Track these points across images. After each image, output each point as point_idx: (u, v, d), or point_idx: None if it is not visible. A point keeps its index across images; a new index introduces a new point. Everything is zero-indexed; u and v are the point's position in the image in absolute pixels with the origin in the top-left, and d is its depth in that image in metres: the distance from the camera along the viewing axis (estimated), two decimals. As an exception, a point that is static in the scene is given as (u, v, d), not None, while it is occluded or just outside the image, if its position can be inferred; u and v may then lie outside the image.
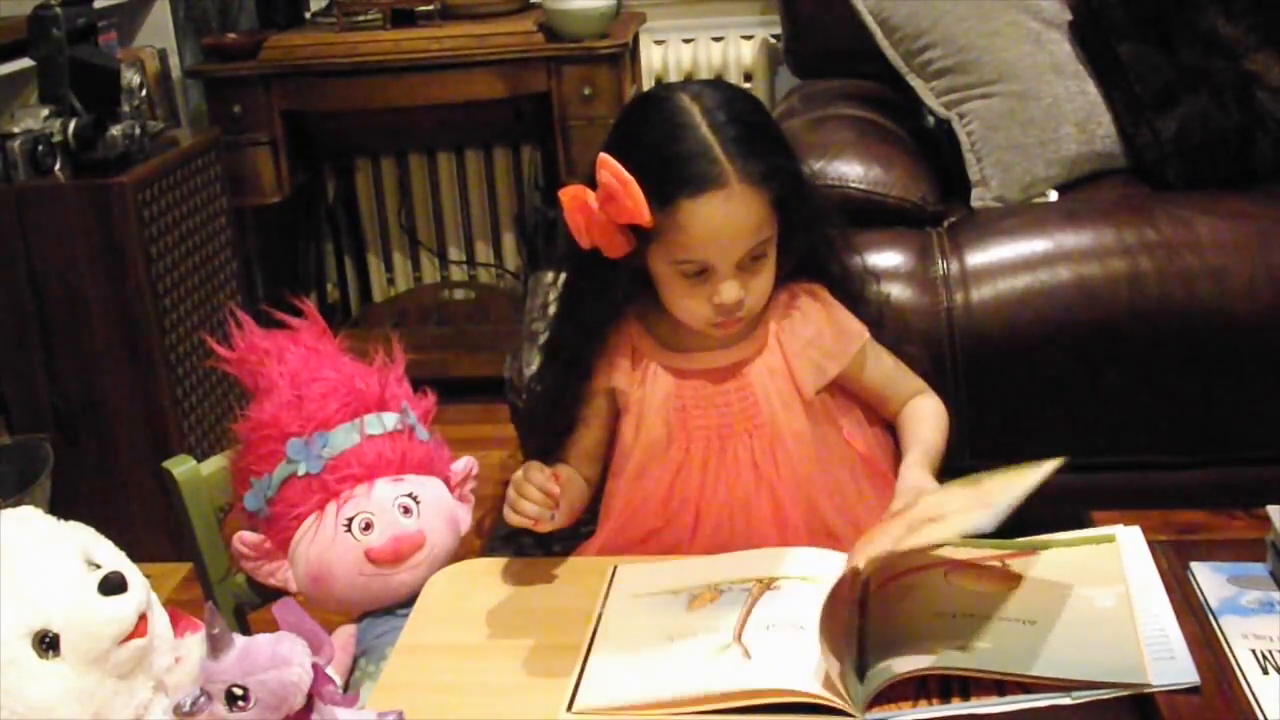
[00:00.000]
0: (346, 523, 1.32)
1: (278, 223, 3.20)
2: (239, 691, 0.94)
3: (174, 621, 1.11)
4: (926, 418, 1.35)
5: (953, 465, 1.32)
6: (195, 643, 1.09)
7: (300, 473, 1.32)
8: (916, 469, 1.27)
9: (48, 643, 1.00)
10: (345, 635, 1.33)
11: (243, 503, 1.35)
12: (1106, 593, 1.06)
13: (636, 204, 1.19)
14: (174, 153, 2.52)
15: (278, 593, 1.34)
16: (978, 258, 1.87)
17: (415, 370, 1.45)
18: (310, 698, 0.97)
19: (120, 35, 2.65)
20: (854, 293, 1.36)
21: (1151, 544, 1.13)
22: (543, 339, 1.42)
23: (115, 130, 2.36)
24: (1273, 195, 1.94)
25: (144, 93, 2.60)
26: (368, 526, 1.31)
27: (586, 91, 2.85)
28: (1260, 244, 1.83)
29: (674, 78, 3.20)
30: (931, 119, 2.22)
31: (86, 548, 1.08)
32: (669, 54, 3.21)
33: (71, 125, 2.30)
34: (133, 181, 2.32)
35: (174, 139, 2.63)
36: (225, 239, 2.69)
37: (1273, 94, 2.02)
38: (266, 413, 1.35)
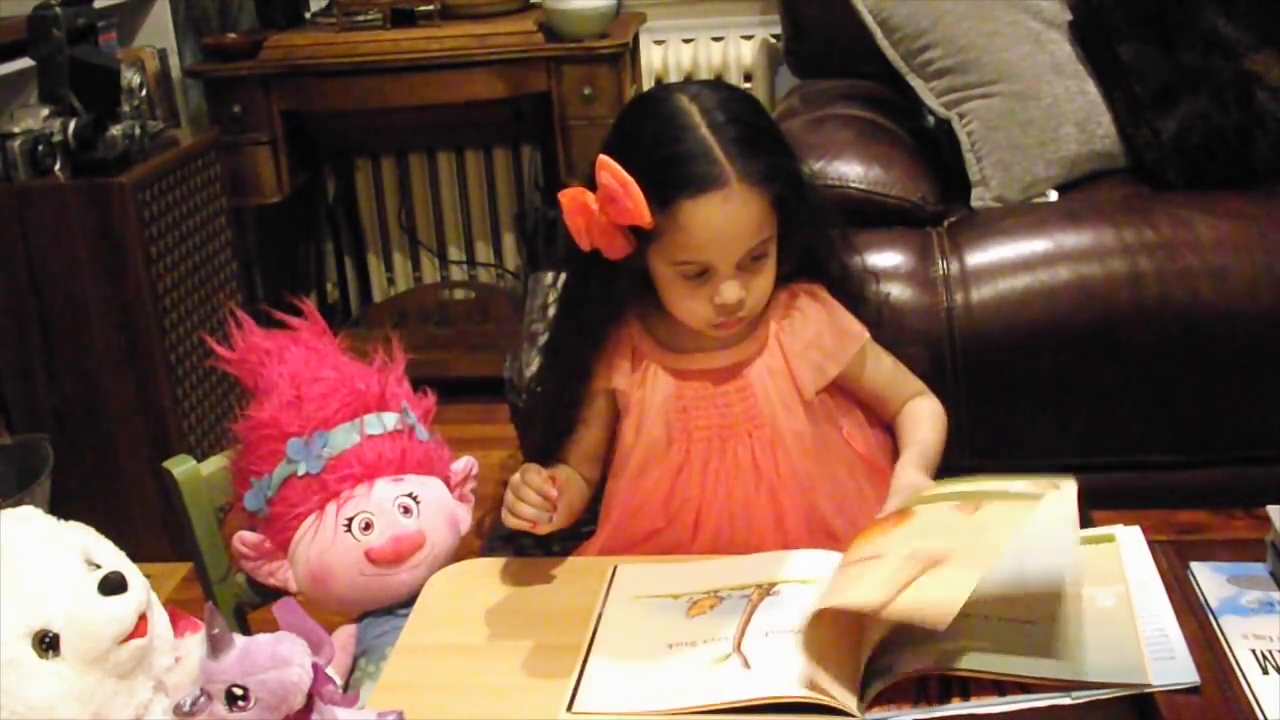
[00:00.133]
0: (346, 523, 1.32)
1: (278, 223, 3.20)
2: (239, 691, 0.94)
3: (174, 621, 1.11)
4: (924, 419, 1.36)
5: (953, 465, 1.33)
6: (195, 643, 1.09)
7: (300, 473, 1.32)
8: (911, 469, 1.27)
9: (48, 643, 1.00)
10: (345, 635, 1.33)
11: (243, 503, 1.35)
12: (1106, 592, 1.06)
13: (636, 205, 1.19)
14: (174, 153, 2.52)
15: (278, 593, 1.34)
16: (978, 258, 1.87)
17: (415, 370, 1.45)
18: (310, 698, 0.97)
19: (120, 35, 2.64)
20: (854, 293, 1.36)
21: (1151, 544, 1.13)
22: (542, 340, 1.42)
23: (115, 130, 2.36)
24: (1273, 195, 1.94)
25: (144, 93, 2.60)
26: (368, 526, 1.31)
27: (586, 91, 2.85)
28: (1260, 244, 1.83)
29: (674, 78, 3.20)
30: (931, 119, 2.22)
31: (86, 548, 1.08)
32: (669, 54, 3.21)
33: (71, 125, 2.30)
34: (133, 181, 2.32)
35: (174, 139, 2.63)
36: (225, 239, 2.69)
37: (1273, 94, 2.02)
38: (266, 413, 1.35)
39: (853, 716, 0.96)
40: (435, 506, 1.36)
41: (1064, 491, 1.07)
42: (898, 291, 1.81)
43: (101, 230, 2.30)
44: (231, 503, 1.39)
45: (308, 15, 3.18)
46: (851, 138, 2.05)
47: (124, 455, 2.42)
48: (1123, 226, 1.86)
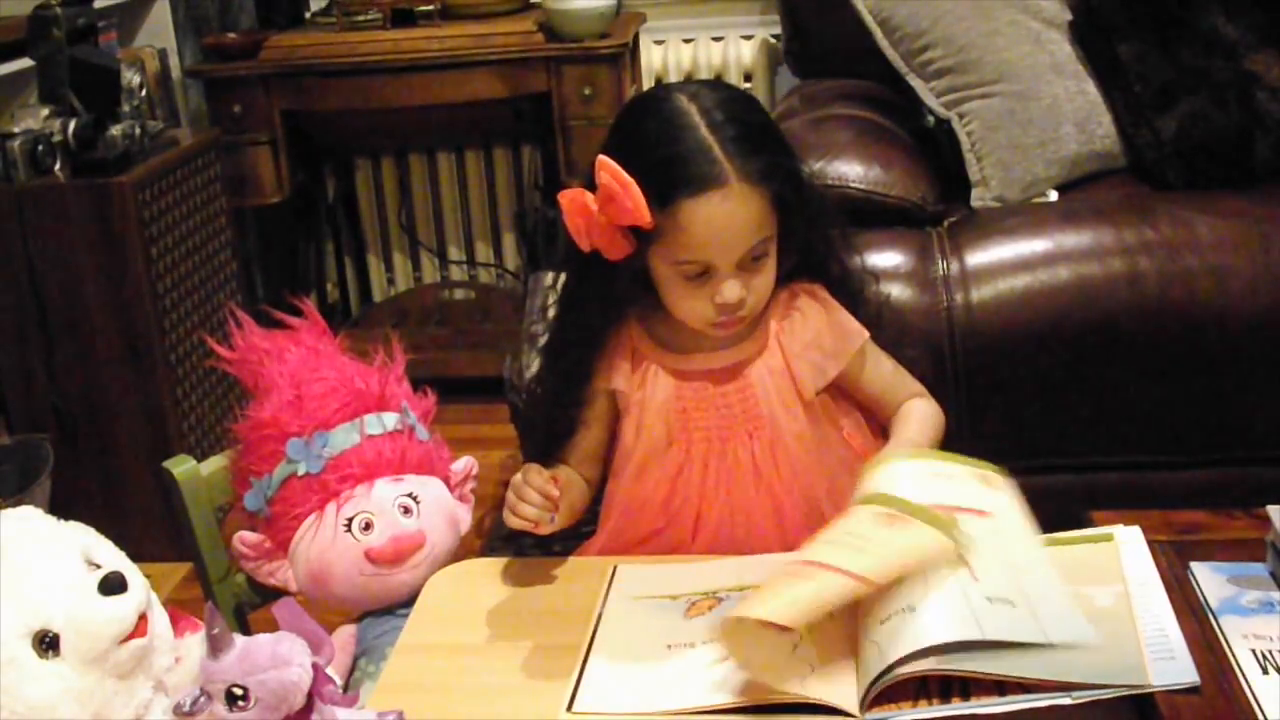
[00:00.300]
0: (346, 523, 1.32)
1: (278, 223, 3.21)
2: (239, 691, 0.94)
3: (174, 621, 1.11)
4: (914, 418, 1.35)
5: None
6: (195, 643, 1.09)
7: (300, 473, 1.32)
8: None
9: (48, 643, 1.00)
10: (345, 635, 1.33)
11: (243, 503, 1.35)
12: (1105, 591, 1.06)
13: (636, 205, 1.19)
14: (174, 153, 2.52)
15: (278, 593, 1.34)
16: (978, 258, 1.87)
17: (415, 370, 1.45)
18: (310, 698, 0.97)
19: (120, 35, 2.65)
20: (853, 293, 1.36)
21: (1151, 544, 1.13)
22: (542, 341, 1.42)
23: (115, 130, 2.36)
24: (1273, 195, 1.94)
25: (144, 93, 2.60)
26: (368, 526, 1.32)
27: (586, 91, 2.85)
28: (1260, 244, 1.83)
29: (674, 78, 3.20)
30: (931, 119, 2.22)
31: (86, 548, 1.08)
32: (669, 54, 3.21)
33: (71, 125, 2.30)
34: (133, 181, 2.32)
35: (174, 139, 2.63)
36: (225, 239, 2.69)
37: (1273, 94, 2.02)
38: (266, 413, 1.35)
39: (852, 716, 0.96)
40: (435, 506, 1.36)
41: (1003, 505, 1.08)
42: (898, 291, 1.81)
43: (101, 230, 2.30)
44: (231, 503, 1.39)
45: (308, 15, 3.19)
46: (851, 138, 2.05)
47: (124, 455, 2.42)
48: (1123, 226, 1.86)
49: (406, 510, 1.33)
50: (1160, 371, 1.82)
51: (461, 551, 1.38)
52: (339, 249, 3.45)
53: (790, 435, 1.30)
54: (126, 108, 2.45)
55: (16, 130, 2.27)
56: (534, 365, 1.48)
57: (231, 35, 3.02)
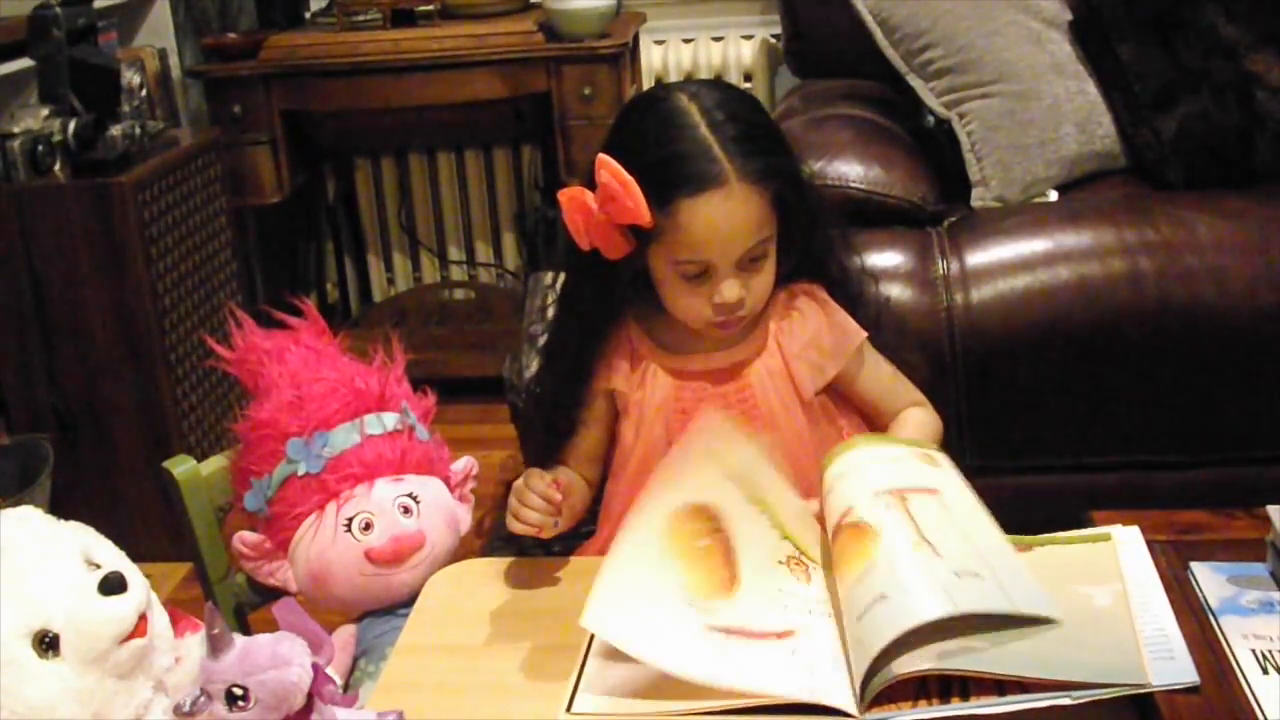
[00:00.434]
0: (346, 523, 1.32)
1: (278, 223, 3.21)
2: (239, 691, 0.94)
3: (174, 621, 1.11)
4: (912, 428, 1.35)
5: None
6: (195, 643, 1.09)
7: (300, 473, 1.32)
8: None
9: (48, 643, 1.00)
10: (345, 635, 1.33)
11: (243, 503, 1.35)
12: (1103, 591, 1.06)
13: (636, 204, 1.19)
14: (174, 153, 2.52)
15: (278, 593, 1.34)
16: (978, 258, 1.87)
17: (415, 370, 1.45)
18: (310, 698, 0.97)
19: (120, 35, 2.64)
20: (853, 294, 1.36)
21: (1151, 544, 1.13)
22: (541, 341, 1.42)
23: (115, 130, 2.36)
24: (1273, 195, 1.94)
25: (144, 93, 2.60)
26: (368, 526, 1.31)
27: (586, 91, 2.85)
28: (1260, 244, 1.83)
29: (674, 78, 3.20)
30: (931, 119, 2.22)
31: (86, 548, 1.08)
32: (669, 54, 3.21)
33: (71, 125, 2.30)
34: (133, 181, 2.32)
35: (174, 139, 2.63)
36: (225, 239, 2.69)
37: (1273, 94, 2.02)
38: (266, 413, 1.35)
39: (852, 717, 0.96)
40: (435, 506, 1.36)
41: (949, 482, 1.10)
42: (898, 292, 1.81)
43: (101, 230, 2.30)
44: (231, 503, 1.39)
45: (308, 15, 3.19)
46: (851, 138, 2.05)
47: (124, 455, 2.42)
48: (1123, 226, 1.87)
49: (406, 510, 1.33)
50: (1160, 371, 1.82)
51: (461, 551, 1.38)
52: (339, 249, 3.45)
53: (790, 435, 1.30)
54: (126, 108, 2.45)
55: (16, 130, 2.27)
56: (534, 365, 1.48)
57: (231, 35, 3.02)
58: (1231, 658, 0.99)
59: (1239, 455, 1.87)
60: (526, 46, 2.84)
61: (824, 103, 2.33)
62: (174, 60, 2.89)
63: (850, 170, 1.94)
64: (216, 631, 0.95)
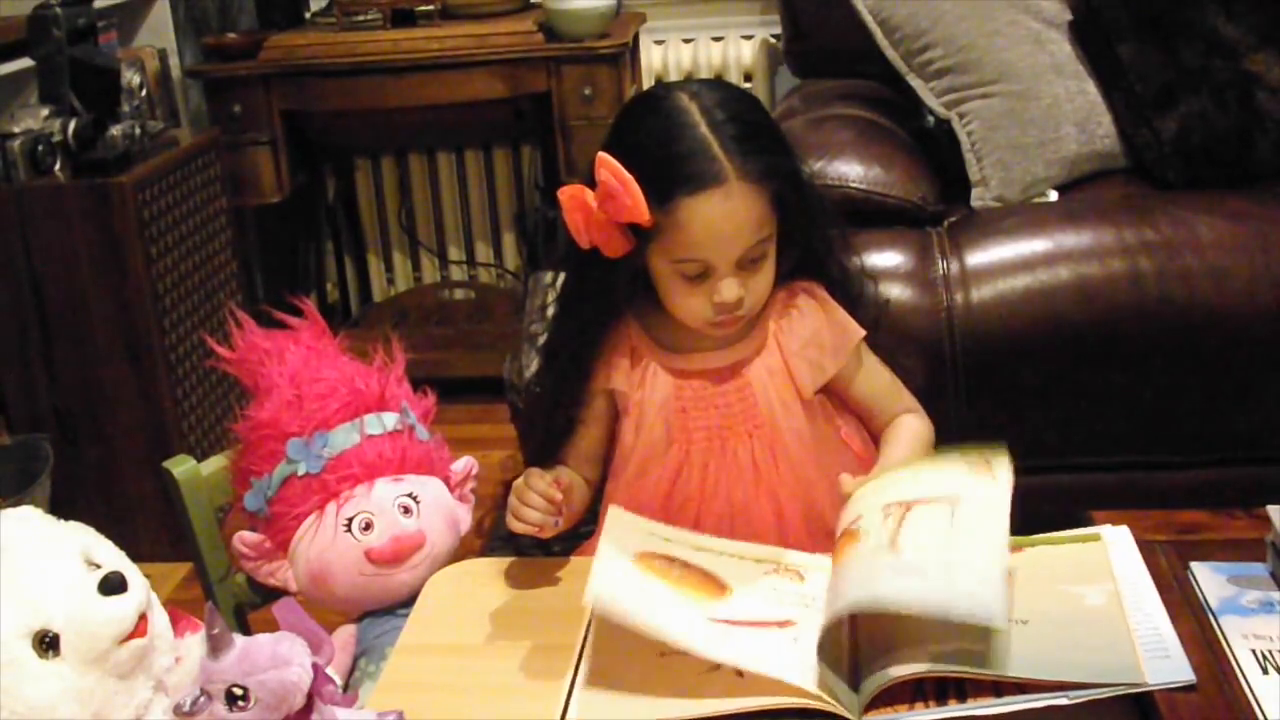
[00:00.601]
0: (346, 523, 1.32)
1: (278, 223, 3.21)
2: (239, 691, 0.94)
3: (174, 621, 1.11)
4: (904, 440, 1.34)
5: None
6: (195, 643, 1.09)
7: (300, 473, 1.32)
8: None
9: (48, 643, 1.00)
10: (345, 635, 1.33)
11: (243, 503, 1.35)
12: (1096, 590, 1.06)
13: (636, 203, 1.19)
14: (174, 153, 2.52)
15: (278, 593, 1.34)
16: (978, 258, 1.87)
17: (415, 370, 1.45)
18: (310, 698, 0.97)
19: (120, 35, 2.65)
20: (853, 294, 1.36)
21: (1151, 544, 1.13)
22: (541, 341, 1.42)
23: (115, 130, 2.36)
24: (1273, 195, 1.94)
25: (144, 93, 2.60)
26: (368, 526, 1.32)
27: (586, 91, 2.85)
28: (1260, 244, 1.83)
29: (674, 78, 3.20)
30: (931, 119, 2.22)
31: (86, 548, 1.08)
32: (669, 54, 3.22)
33: (71, 125, 2.30)
34: (133, 181, 2.32)
35: (174, 139, 2.63)
36: (225, 239, 2.69)
37: (1273, 94, 2.02)
38: (266, 413, 1.35)
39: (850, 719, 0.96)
40: (435, 506, 1.36)
41: (998, 481, 1.08)
42: (898, 292, 1.81)
43: (101, 230, 2.31)
44: (231, 503, 1.39)
45: (308, 15, 3.19)
46: (851, 138, 2.05)
47: (124, 455, 2.42)
48: (1123, 226, 1.86)
49: (406, 510, 1.33)
50: (1160, 371, 1.82)
51: (461, 551, 1.38)
52: (339, 249, 3.45)
53: (789, 434, 1.30)
54: (126, 108, 2.45)
55: (16, 130, 2.27)
56: (534, 365, 1.48)
57: (231, 35, 3.02)
58: (1231, 658, 0.99)
59: (1239, 455, 1.87)
60: (526, 46, 2.85)
61: (824, 103, 2.33)
62: (174, 60, 2.89)
63: (850, 170, 1.94)
64: (216, 631, 0.95)
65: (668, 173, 1.21)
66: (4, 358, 2.39)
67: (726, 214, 1.21)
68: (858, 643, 1.03)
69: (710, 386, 1.31)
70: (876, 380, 1.36)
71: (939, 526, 1.04)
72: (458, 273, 3.44)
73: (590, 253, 1.25)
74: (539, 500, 1.20)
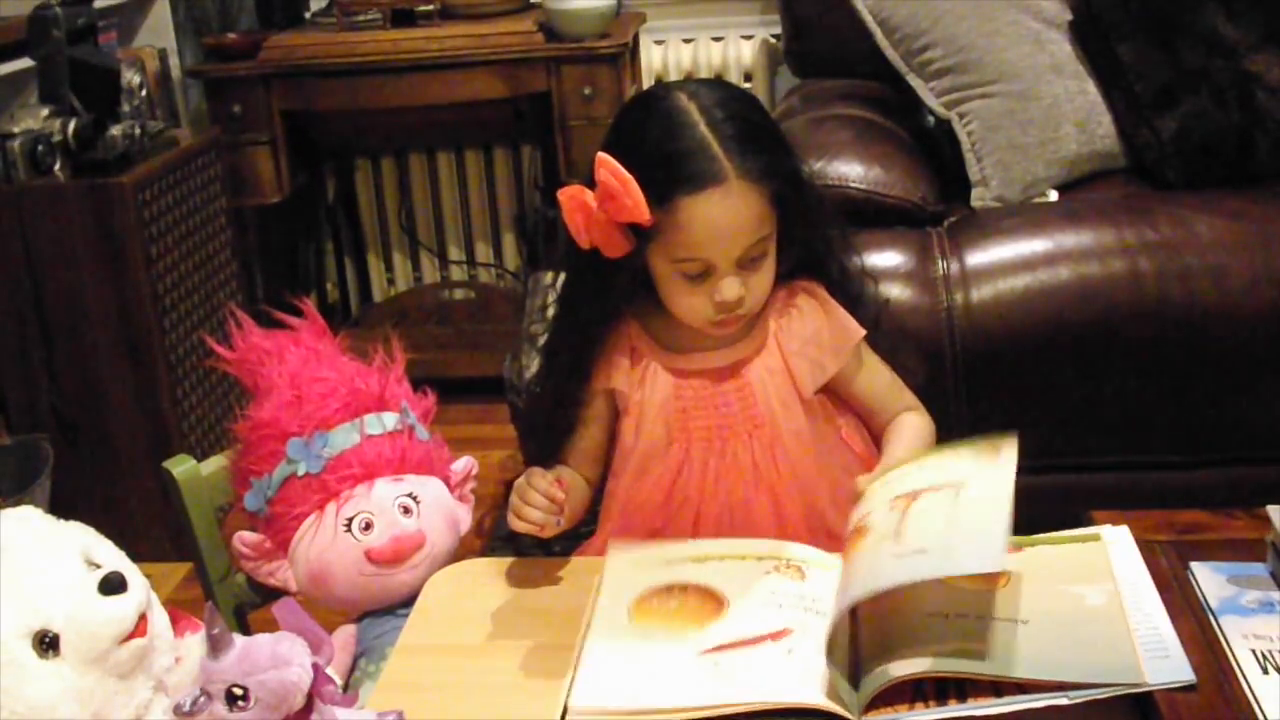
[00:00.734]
0: (346, 523, 1.31)
1: (278, 223, 3.21)
2: (239, 691, 0.94)
3: (174, 621, 1.11)
4: (907, 437, 1.34)
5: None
6: (195, 643, 1.09)
7: (300, 473, 1.32)
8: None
9: (48, 643, 1.00)
10: (345, 635, 1.32)
11: (243, 503, 1.35)
12: (1095, 590, 1.06)
13: (635, 202, 1.19)
14: (174, 153, 2.52)
15: (278, 593, 1.33)
16: (978, 258, 1.87)
17: (415, 370, 1.45)
18: (310, 698, 0.97)
19: (120, 35, 2.65)
20: (853, 294, 1.36)
21: (1152, 544, 1.13)
22: (541, 341, 1.42)
23: (115, 130, 2.36)
24: (1273, 195, 1.94)
25: (144, 93, 2.60)
26: (368, 526, 1.31)
27: (586, 91, 2.85)
28: (1260, 244, 1.83)
29: (674, 78, 3.20)
30: (931, 119, 2.22)
31: (86, 548, 1.08)
32: (669, 54, 3.22)
33: (71, 125, 2.30)
34: (133, 181, 2.32)
35: (174, 139, 2.63)
36: (225, 239, 2.69)
37: (1273, 94, 2.02)
38: (266, 413, 1.34)
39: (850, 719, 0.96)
40: (435, 506, 1.36)
41: (1001, 463, 1.08)
42: (898, 292, 1.82)
43: (101, 230, 2.30)
44: (231, 503, 1.39)
45: (308, 15, 3.19)
46: (851, 138, 2.05)
47: (124, 455, 2.42)
48: (1123, 226, 1.87)
49: (406, 510, 1.33)
50: (1160, 371, 1.82)
51: (461, 551, 1.38)
52: (339, 249, 3.45)
53: (789, 434, 1.30)
54: (126, 108, 2.45)
55: (16, 130, 2.27)
56: (534, 365, 1.48)
57: (231, 35, 3.02)
58: (1231, 657, 0.99)
59: (1239, 455, 1.87)
60: (526, 46, 2.85)
61: (824, 103, 2.33)
62: (174, 60, 2.89)
63: (850, 170, 1.94)
64: (216, 631, 0.95)
65: (667, 172, 1.21)
66: (4, 358, 2.39)
67: (726, 213, 1.21)
68: (858, 642, 1.03)
69: (710, 386, 1.31)
70: (877, 379, 1.36)
71: (942, 510, 1.05)
72: (458, 273, 3.44)
73: (590, 253, 1.24)
74: (541, 499, 1.20)
